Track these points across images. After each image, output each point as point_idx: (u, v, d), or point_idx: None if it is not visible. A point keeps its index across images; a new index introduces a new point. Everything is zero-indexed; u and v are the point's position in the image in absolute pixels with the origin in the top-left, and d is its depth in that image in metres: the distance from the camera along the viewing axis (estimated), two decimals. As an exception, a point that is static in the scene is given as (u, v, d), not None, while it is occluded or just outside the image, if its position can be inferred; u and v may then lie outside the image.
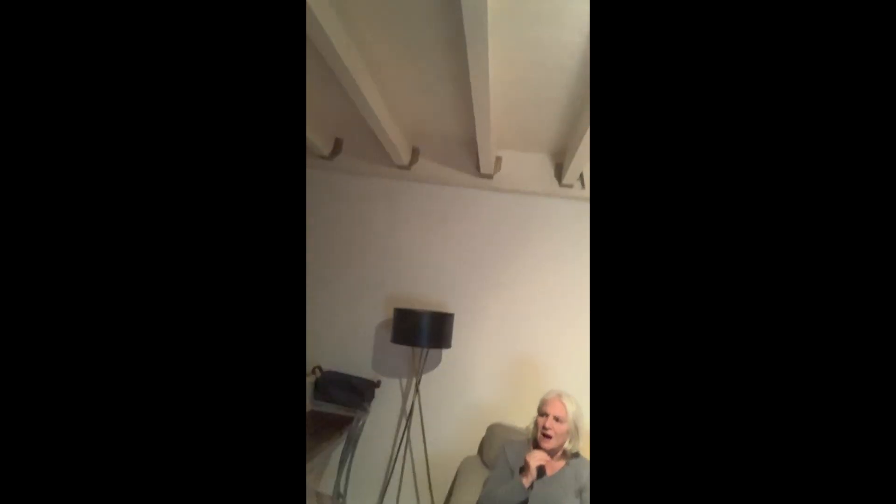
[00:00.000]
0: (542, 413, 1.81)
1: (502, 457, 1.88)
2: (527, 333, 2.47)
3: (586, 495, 1.71)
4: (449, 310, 2.46)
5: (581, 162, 2.12)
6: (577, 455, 1.83)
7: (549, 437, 1.76)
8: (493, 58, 1.54)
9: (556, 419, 1.77)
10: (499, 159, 2.50)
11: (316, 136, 2.49)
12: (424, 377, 2.46)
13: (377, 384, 2.47)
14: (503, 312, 2.50)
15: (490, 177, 2.50)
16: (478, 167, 2.47)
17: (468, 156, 2.49)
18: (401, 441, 2.42)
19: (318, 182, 2.67)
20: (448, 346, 2.34)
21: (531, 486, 1.70)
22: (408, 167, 2.55)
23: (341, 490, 2.30)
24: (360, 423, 2.33)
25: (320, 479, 2.42)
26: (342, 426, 2.26)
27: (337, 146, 2.63)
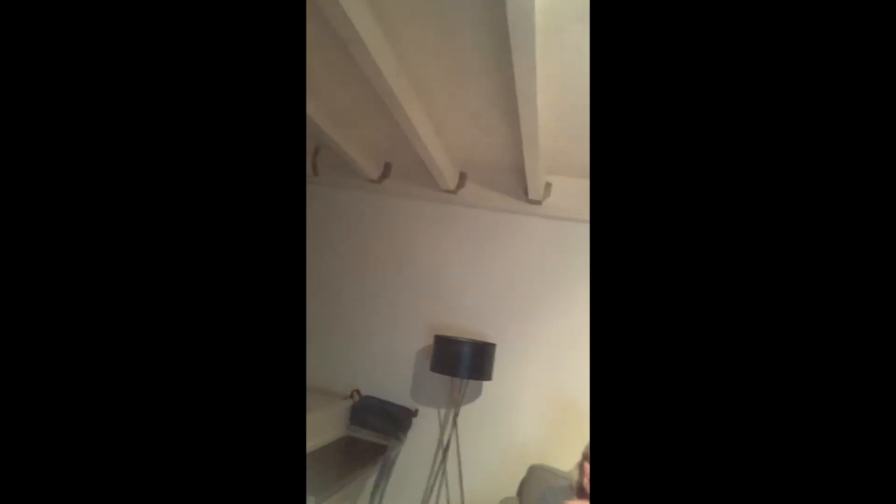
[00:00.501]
0: (589, 459, 1.67)
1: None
2: (573, 369, 2.33)
3: None
4: (491, 339, 2.37)
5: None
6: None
7: None
8: (541, 82, 1.49)
9: None
10: (548, 185, 2.42)
11: (365, 161, 2.52)
12: (463, 409, 2.37)
13: (414, 413, 2.40)
14: (549, 345, 2.37)
15: (539, 203, 2.42)
16: (526, 193, 2.40)
17: (516, 181, 2.43)
18: (436, 474, 2.33)
19: (366, 205, 2.69)
20: (489, 378, 2.25)
21: (573, 540, 1.56)
22: (454, 192, 2.52)
23: (373, 521, 2.24)
24: (394, 452, 2.27)
25: (354, 507, 2.37)
26: (378, 454, 2.20)
27: (386, 170, 2.65)
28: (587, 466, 1.66)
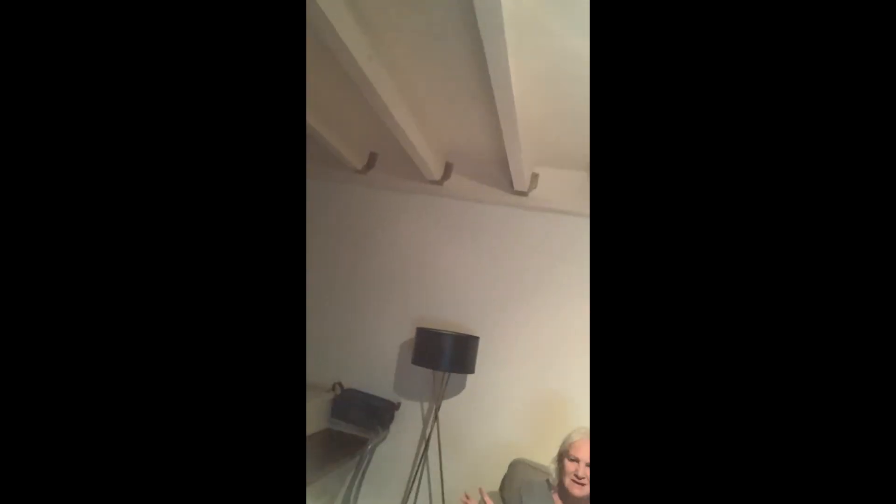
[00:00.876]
0: (571, 458, 1.61)
1: (518, 501, 1.71)
2: (558, 363, 2.29)
3: None
4: (475, 332, 2.33)
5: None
6: None
7: (583, 484, 1.56)
8: (517, 68, 1.45)
9: (589, 465, 1.57)
10: (535, 176, 2.38)
11: (350, 151, 2.49)
12: (447, 403, 2.34)
13: (396, 406, 2.37)
14: (534, 339, 2.33)
15: (524, 194, 2.38)
16: (512, 184, 2.35)
17: (502, 172, 2.38)
18: (418, 468, 2.30)
19: (350, 196, 2.66)
20: (471, 371, 2.21)
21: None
22: (440, 182, 2.48)
23: (353, 515, 2.21)
24: (373, 446, 2.24)
25: (335, 500, 2.34)
26: (358, 447, 2.17)
27: (371, 161, 2.61)
28: (567, 464, 1.61)
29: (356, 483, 2.24)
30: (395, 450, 2.36)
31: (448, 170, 2.50)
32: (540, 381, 2.30)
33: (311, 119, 2.14)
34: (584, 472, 1.55)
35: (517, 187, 2.34)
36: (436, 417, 2.27)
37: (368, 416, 2.27)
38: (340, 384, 2.41)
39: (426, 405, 2.40)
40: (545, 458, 2.06)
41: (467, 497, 1.56)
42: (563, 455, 1.65)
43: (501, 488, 2.14)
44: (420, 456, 2.31)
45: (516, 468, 2.10)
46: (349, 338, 2.52)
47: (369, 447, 2.21)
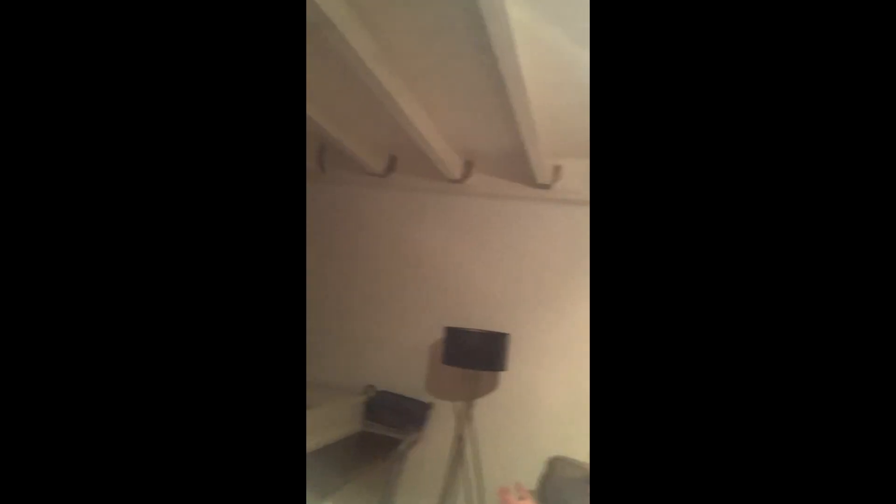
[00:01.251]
0: None
1: (557, 498, 1.68)
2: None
3: None
4: (505, 329, 2.30)
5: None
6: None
7: None
8: (528, 60, 1.42)
9: None
10: (558, 168, 2.34)
11: (369, 155, 2.51)
12: (481, 402, 2.31)
13: (429, 406, 2.37)
14: (566, 333, 2.29)
15: (547, 187, 2.34)
16: (534, 177, 2.32)
17: (523, 166, 2.35)
18: (454, 467, 2.29)
19: (374, 199, 2.68)
20: (502, 368, 2.19)
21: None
22: (461, 181, 2.47)
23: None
24: (407, 446, 2.24)
25: (371, 503, 2.35)
26: (393, 448, 2.18)
27: (392, 163, 2.63)
28: None
29: (392, 484, 2.25)
30: (430, 450, 2.35)
31: (469, 168, 2.48)
32: (574, 376, 2.25)
33: (329, 125, 2.17)
34: None
35: (540, 180, 2.30)
36: (469, 416, 2.25)
37: (402, 417, 2.28)
38: (373, 386, 2.43)
39: (459, 405, 2.39)
40: (583, 453, 2.02)
41: (504, 490, 1.54)
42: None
43: (539, 486, 2.10)
44: (455, 455, 2.29)
45: (555, 465, 2.06)
46: (380, 340, 2.54)
47: (403, 447, 2.21)
